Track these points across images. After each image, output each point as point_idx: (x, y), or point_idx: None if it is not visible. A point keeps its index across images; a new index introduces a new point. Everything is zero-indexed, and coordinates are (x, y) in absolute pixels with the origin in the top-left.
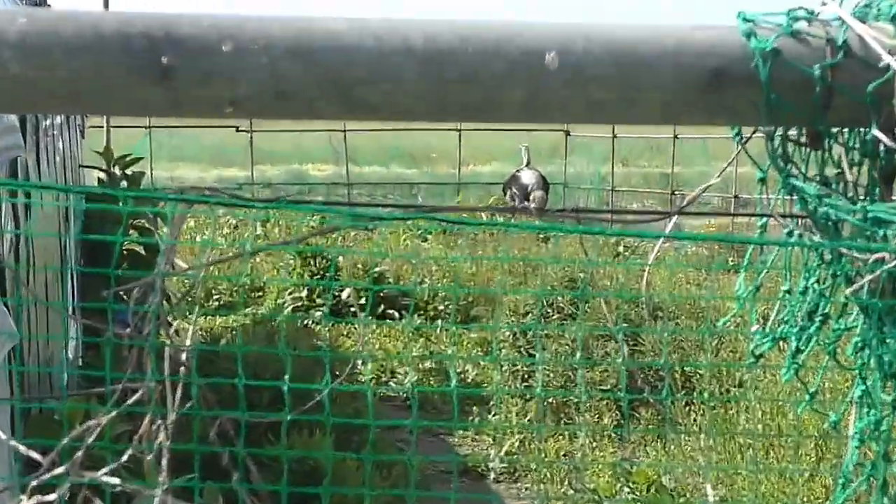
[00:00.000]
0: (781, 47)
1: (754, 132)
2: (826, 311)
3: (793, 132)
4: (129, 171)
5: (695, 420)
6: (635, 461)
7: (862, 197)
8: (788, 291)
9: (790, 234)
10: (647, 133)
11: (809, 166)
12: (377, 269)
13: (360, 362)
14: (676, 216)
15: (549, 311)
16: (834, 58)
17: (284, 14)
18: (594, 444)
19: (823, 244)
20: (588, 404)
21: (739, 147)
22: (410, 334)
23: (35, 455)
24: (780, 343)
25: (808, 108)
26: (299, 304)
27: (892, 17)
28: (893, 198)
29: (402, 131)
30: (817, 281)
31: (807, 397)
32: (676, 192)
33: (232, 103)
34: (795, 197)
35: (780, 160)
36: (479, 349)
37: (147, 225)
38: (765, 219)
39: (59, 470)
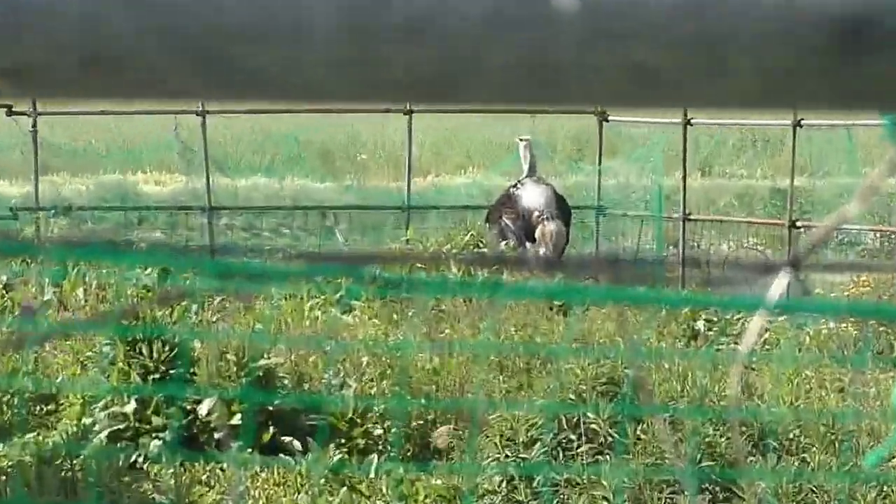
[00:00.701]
0: None
1: None
2: None
3: None
4: None
5: None
6: None
7: None
8: None
9: None
10: (746, 119)
11: None
12: (262, 363)
13: None
14: (796, 269)
15: (570, 437)
16: None
17: None
18: None
19: None
20: None
21: None
22: (322, 481)
23: None
24: None
25: None
26: (122, 426)
27: None
28: None
29: (306, 113)
30: None
31: None
32: (799, 225)
33: (6, 74)
34: None
35: None
36: None
37: None
38: None
39: None
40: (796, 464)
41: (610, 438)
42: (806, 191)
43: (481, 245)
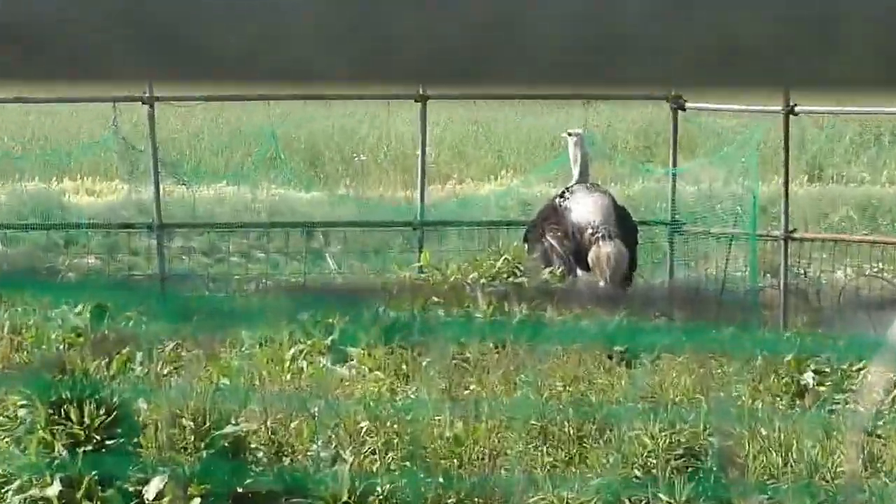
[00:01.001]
0: None
1: None
2: None
3: None
4: None
5: None
6: None
7: None
8: None
9: None
10: (868, 105)
11: None
12: (229, 431)
13: None
14: None
15: None
16: None
17: None
18: None
19: None
20: None
21: None
22: None
23: None
24: None
25: None
26: None
27: None
28: None
29: (287, 101)
30: None
31: None
32: None
33: None
34: None
35: None
36: None
37: None
38: None
39: None
40: None
41: None
42: None
43: (518, 273)
